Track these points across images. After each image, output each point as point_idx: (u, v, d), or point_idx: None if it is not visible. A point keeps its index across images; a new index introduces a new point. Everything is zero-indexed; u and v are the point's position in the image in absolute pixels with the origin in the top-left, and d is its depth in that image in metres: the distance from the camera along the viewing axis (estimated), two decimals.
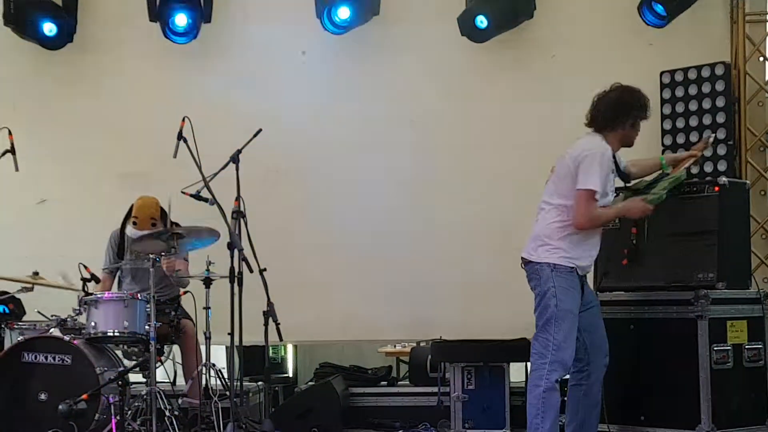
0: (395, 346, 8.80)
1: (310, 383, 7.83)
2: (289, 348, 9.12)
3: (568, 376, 5.60)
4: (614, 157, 5.49)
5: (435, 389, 7.13)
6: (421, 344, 7.80)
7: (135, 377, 6.77)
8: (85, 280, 6.32)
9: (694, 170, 6.99)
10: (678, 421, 5.52)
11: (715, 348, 5.48)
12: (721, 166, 7.13)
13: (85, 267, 6.33)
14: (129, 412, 6.11)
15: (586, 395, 5.57)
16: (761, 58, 7.48)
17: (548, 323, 5.29)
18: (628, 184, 5.76)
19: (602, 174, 5.29)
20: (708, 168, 7.08)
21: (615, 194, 5.64)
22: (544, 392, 5.25)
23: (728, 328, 5.58)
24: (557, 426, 5.30)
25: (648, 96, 7.41)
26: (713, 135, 6.32)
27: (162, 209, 6.80)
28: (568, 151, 5.43)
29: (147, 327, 6.19)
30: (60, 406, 5.84)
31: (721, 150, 7.15)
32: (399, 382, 7.89)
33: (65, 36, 7.91)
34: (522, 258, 5.48)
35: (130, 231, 6.81)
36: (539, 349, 5.31)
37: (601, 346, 5.55)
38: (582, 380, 5.58)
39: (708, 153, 6.88)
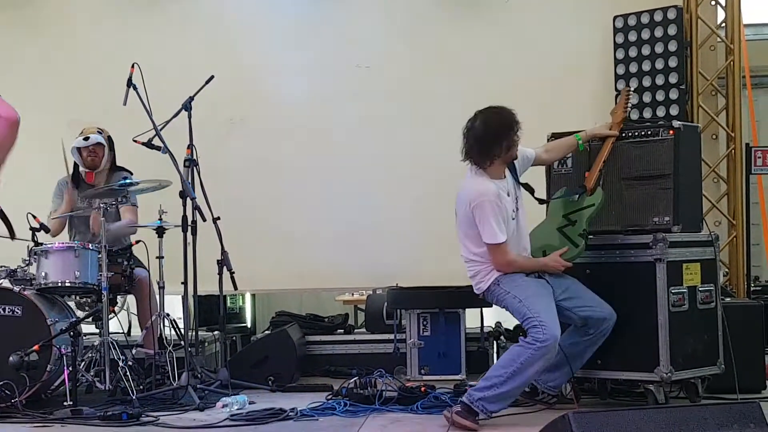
0: (353, 295, 8.86)
1: (266, 332, 7.84)
2: (248, 297, 9.12)
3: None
4: (513, 167, 5.46)
5: (391, 336, 7.15)
6: (378, 292, 7.81)
7: (91, 329, 6.75)
8: (34, 230, 6.20)
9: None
10: (636, 364, 5.53)
11: (672, 290, 5.48)
12: (674, 111, 7.12)
13: (34, 217, 6.21)
14: (82, 363, 6.06)
15: (588, 339, 5.52)
16: (713, 2, 7.42)
17: (520, 313, 5.26)
18: (541, 198, 5.74)
19: (497, 219, 5.26)
20: (660, 112, 7.09)
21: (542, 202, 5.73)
22: (526, 360, 5.12)
23: (684, 271, 5.58)
24: (513, 395, 5.25)
25: (601, 41, 7.45)
26: (628, 88, 6.17)
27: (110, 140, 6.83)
28: (460, 194, 5.41)
29: (99, 277, 6.16)
30: (11, 358, 5.73)
31: (674, 94, 7.15)
32: (356, 330, 7.90)
33: None
34: (476, 294, 5.51)
35: (78, 142, 6.73)
36: (529, 329, 5.21)
37: (599, 315, 5.46)
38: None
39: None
